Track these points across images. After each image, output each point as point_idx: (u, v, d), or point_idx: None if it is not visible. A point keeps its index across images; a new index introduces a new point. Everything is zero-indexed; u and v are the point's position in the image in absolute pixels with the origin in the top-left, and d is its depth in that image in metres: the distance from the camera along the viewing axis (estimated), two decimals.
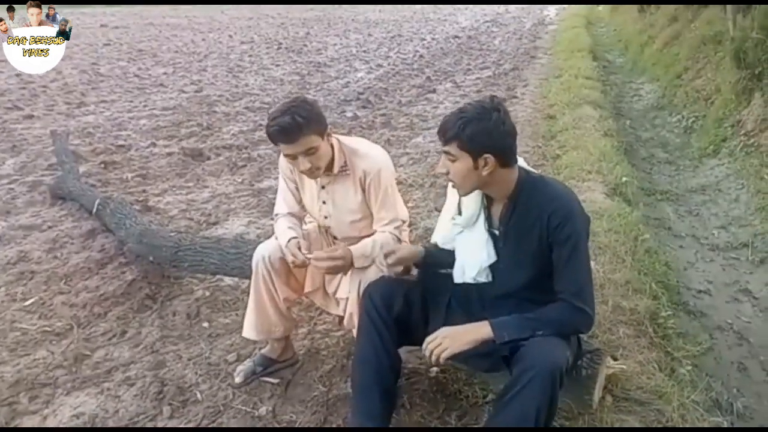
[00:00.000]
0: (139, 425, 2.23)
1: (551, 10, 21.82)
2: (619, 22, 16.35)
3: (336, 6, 24.31)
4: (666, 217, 4.74)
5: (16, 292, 3.20)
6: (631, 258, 3.25)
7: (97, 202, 3.88)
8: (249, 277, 2.35)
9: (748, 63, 6.03)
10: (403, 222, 2.51)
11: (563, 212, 1.77)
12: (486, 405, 2.18)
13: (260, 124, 6.75)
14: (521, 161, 1.94)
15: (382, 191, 2.22)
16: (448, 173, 1.84)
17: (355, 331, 2.12)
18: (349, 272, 2.20)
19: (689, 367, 2.63)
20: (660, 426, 2.07)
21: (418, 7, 23.69)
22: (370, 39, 14.76)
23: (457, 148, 1.76)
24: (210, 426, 2.21)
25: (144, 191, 4.70)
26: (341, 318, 2.36)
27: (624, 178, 4.59)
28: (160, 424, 2.23)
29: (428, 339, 1.80)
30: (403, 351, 2.12)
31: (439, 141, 1.83)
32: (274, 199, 2.44)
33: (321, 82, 9.27)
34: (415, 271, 2.44)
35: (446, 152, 1.80)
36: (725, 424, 2.43)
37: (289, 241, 2.19)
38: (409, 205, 4.11)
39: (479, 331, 1.78)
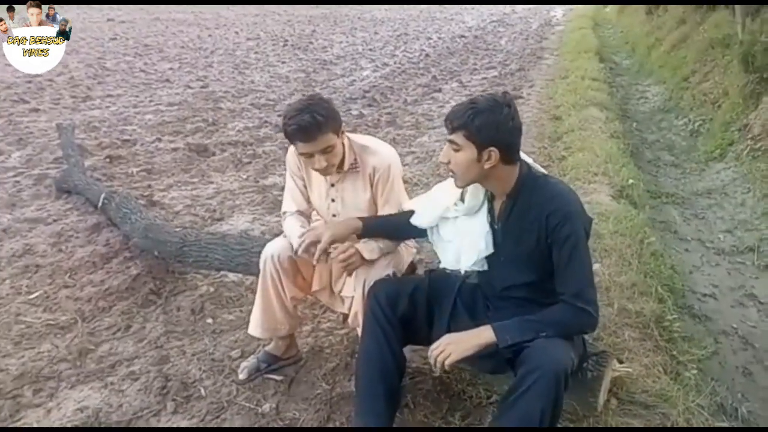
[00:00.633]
0: (142, 420, 2.23)
1: (558, 10, 21.76)
2: (626, 23, 16.31)
3: (342, 4, 24.27)
4: (672, 220, 4.72)
5: (21, 285, 3.21)
6: (637, 261, 3.24)
7: (102, 196, 3.88)
8: (254, 274, 2.35)
9: (757, 67, 6.01)
10: None
11: (562, 212, 1.77)
12: (490, 405, 2.17)
13: (265, 121, 6.75)
14: (527, 159, 1.93)
15: (389, 186, 2.22)
16: (449, 162, 1.83)
17: (359, 330, 2.11)
18: (355, 271, 2.20)
19: (694, 371, 2.62)
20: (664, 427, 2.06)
21: (424, 5, 23.64)
22: (376, 37, 14.75)
23: (463, 137, 1.75)
24: (212, 424, 2.21)
25: (149, 186, 4.70)
26: (345, 316, 2.36)
27: (630, 181, 4.58)
28: (163, 419, 2.23)
29: (432, 347, 1.80)
30: (408, 350, 2.11)
31: (445, 129, 1.82)
32: (279, 195, 2.44)
33: (327, 80, 9.26)
34: (420, 271, 2.45)
35: (451, 141, 1.79)
36: None
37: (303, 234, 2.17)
38: None
39: (481, 335, 1.77)
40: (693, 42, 9.14)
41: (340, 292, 2.31)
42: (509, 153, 1.78)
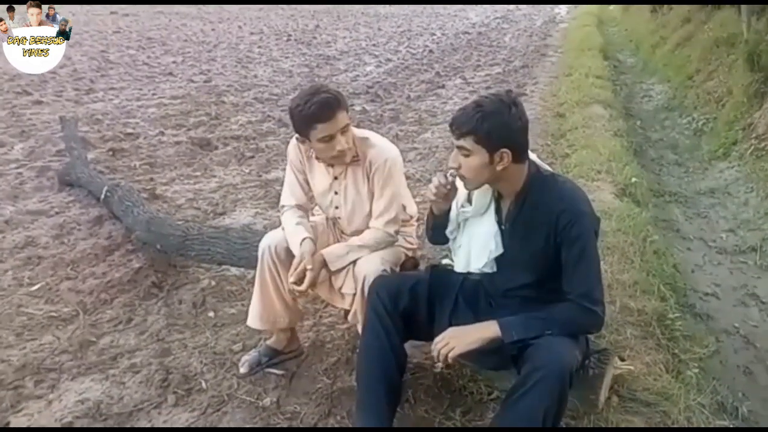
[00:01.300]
0: (143, 412, 2.23)
1: (562, 8, 21.68)
2: (630, 22, 16.25)
3: (346, 4, 24.22)
4: (675, 219, 4.72)
5: (23, 277, 3.21)
6: (639, 259, 3.24)
7: (105, 189, 3.88)
8: (255, 268, 2.35)
9: (761, 66, 5.99)
10: (411, 217, 2.51)
11: (572, 212, 1.75)
12: (491, 402, 2.17)
13: (268, 116, 6.75)
14: (534, 157, 1.92)
15: (383, 181, 2.20)
16: (459, 168, 1.80)
17: (360, 326, 2.11)
18: (354, 268, 2.20)
19: (696, 370, 2.61)
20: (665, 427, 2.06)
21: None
22: (379, 33, 14.72)
23: (473, 142, 1.73)
24: (212, 417, 2.21)
25: (151, 179, 4.70)
26: (346, 311, 2.35)
27: (633, 179, 4.56)
28: (164, 412, 2.23)
29: (436, 340, 1.80)
30: (409, 346, 2.11)
31: (451, 135, 1.80)
32: (282, 190, 2.43)
33: (330, 75, 9.25)
34: (422, 267, 2.45)
35: (460, 147, 1.76)
36: None
37: (303, 241, 2.18)
38: (417, 200, 4.07)
39: (487, 329, 1.77)
40: (698, 40, 9.11)
41: (341, 288, 2.31)
42: (520, 152, 1.77)
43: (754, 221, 4.50)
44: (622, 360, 2.29)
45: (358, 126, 5.61)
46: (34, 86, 7.96)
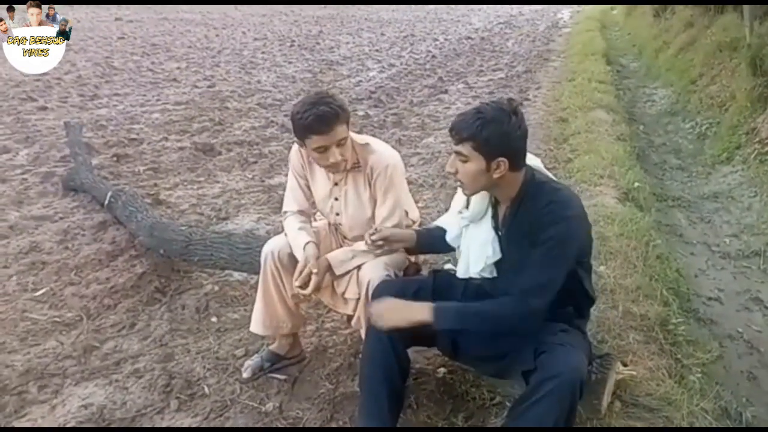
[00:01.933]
0: (146, 417, 2.24)
1: (565, 13, 21.71)
2: (633, 26, 16.24)
3: (349, 4, 24.29)
4: (677, 223, 4.71)
5: (27, 282, 3.23)
6: (642, 264, 3.23)
7: (109, 194, 3.90)
8: (258, 273, 2.36)
9: (764, 70, 5.98)
10: (414, 222, 2.51)
11: (553, 215, 1.74)
12: (493, 407, 2.17)
13: (272, 121, 6.77)
14: (538, 163, 1.93)
15: (385, 187, 2.21)
16: (456, 173, 1.81)
17: (363, 331, 2.11)
18: (357, 273, 2.20)
19: (699, 375, 2.60)
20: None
21: (431, 6, 23.63)
22: (382, 38, 14.76)
23: (471, 148, 1.74)
24: (215, 422, 2.22)
25: (155, 185, 4.72)
26: (349, 317, 2.36)
27: (636, 184, 4.56)
28: (167, 417, 2.24)
29: (373, 306, 1.86)
30: (411, 351, 2.11)
31: (451, 140, 1.81)
32: (285, 194, 2.44)
33: (333, 80, 9.28)
34: (425, 271, 2.45)
35: (458, 152, 1.77)
36: None
37: (306, 245, 2.19)
38: (419, 205, 4.10)
39: (421, 312, 1.80)
40: (701, 45, 9.10)
41: (344, 293, 2.31)
42: (517, 160, 1.78)
43: (758, 226, 4.48)
44: (625, 365, 2.28)
45: (360, 131, 5.64)
46: (39, 92, 8.01)
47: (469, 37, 14.80)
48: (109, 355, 2.62)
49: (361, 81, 9.23)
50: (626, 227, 3.62)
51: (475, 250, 1.96)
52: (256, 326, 2.38)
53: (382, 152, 2.23)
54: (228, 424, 2.20)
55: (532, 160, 1.95)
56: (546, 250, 1.74)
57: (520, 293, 1.75)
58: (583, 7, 22.75)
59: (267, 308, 2.33)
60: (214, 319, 2.89)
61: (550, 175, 1.94)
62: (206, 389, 2.38)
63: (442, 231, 2.14)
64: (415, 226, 2.53)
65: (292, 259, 2.24)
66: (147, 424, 2.22)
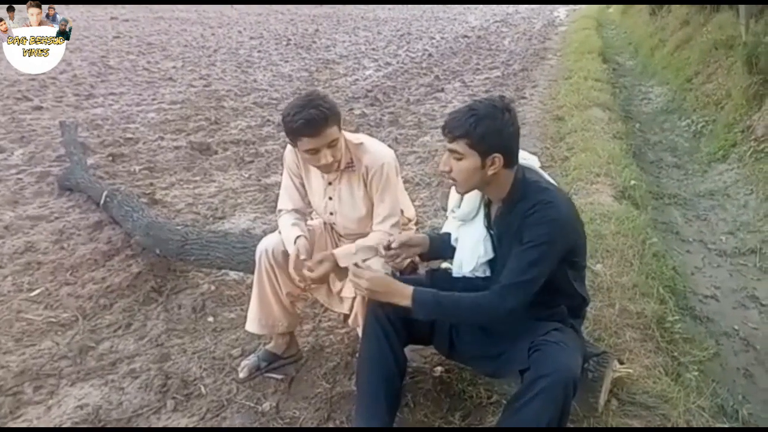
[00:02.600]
0: (142, 417, 2.23)
1: (561, 11, 21.73)
2: (629, 24, 16.27)
3: (345, 3, 24.25)
4: (674, 221, 4.71)
5: (23, 282, 3.21)
6: (638, 261, 3.23)
7: (104, 194, 3.89)
8: (254, 272, 2.35)
9: (760, 68, 5.99)
10: (410, 220, 2.52)
11: (539, 216, 1.74)
12: (490, 406, 2.17)
13: (268, 120, 6.75)
14: (535, 161, 1.93)
15: (382, 186, 2.21)
16: (450, 171, 1.81)
17: (359, 330, 2.11)
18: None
19: (695, 373, 2.61)
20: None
21: (427, 5, 23.61)
22: (379, 37, 14.74)
23: (466, 146, 1.73)
24: (212, 422, 2.21)
25: (151, 184, 4.71)
26: (346, 316, 2.35)
27: (632, 182, 4.56)
28: (163, 417, 2.23)
29: (364, 271, 1.83)
30: (408, 350, 2.11)
31: (443, 138, 1.80)
32: (280, 193, 2.44)
33: (329, 79, 9.27)
34: (422, 270, 2.45)
35: (453, 150, 1.77)
36: None
37: (297, 239, 2.19)
38: (416, 203, 4.10)
39: (402, 296, 1.80)
40: (696, 43, 9.11)
41: (339, 292, 2.31)
42: (510, 157, 1.78)
43: (754, 223, 4.50)
44: (622, 363, 2.29)
45: (356, 130, 5.64)
46: (34, 92, 7.98)
47: (465, 36, 14.80)
48: (105, 356, 2.61)
49: (357, 79, 9.23)
50: (622, 225, 3.62)
51: (468, 249, 1.97)
52: (251, 325, 2.38)
53: (377, 151, 2.23)
54: (225, 424, 2.19)
55: (529, 158, 1.95)
56: (528, 249, 1.74)
57: (500, 289, 1.75)
58: (580, 5, 22.78)
59: (262, 306, 2.33)
60: (210, 319, 2.88)
61: (544, 174, 1.93)
62: (203, 389, 2.37)
63: (449, 236, 2.14)
64: (411, 225, 2.53)
65: (287, 257, 2.23)
66: (143, 425, 2.21)
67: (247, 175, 4.98)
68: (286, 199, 2.37)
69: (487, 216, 1.94)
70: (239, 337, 2.70)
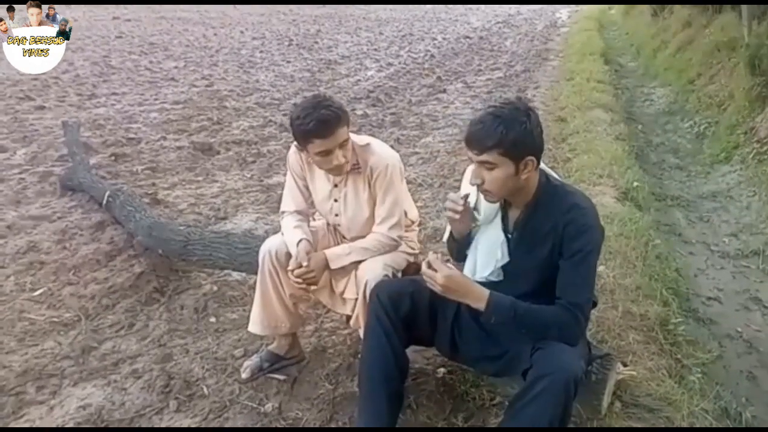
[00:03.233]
0: (145, 418, 2.23)
1: (563, 12, 21.73)
2: (631, 26, 16.26)
3: (348, 4, 24.26)
4: (676, 223, 4.71)
5: (25, 282, 3.21)
6: (641, 263, 3.23)
7: (107, 194, 3.89)
8: (257, 273, 2.35)
9: (763, 70, 5.99)
10: (413, 222, 2.51)
11: (579, 223, 1.74)
12: (493, 407, 2.16)
13: (270, 120, 6.75)
14: (542, 165, 1.92)
15: (384, 187, 2.21)
16: (482, 183, 1.76)
17: (362, 331, 2.11)
18: (356, 273, 2.20)
19: (699, 375, 2.61)
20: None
21: (429, 6, 23.63)
22: (381, 37, 14.74)
23: (498, 155, 1.69)
24: (214, 423, 2.21)
25: (153, 184, 4.71)
26: (348, 317, 2.35)
27: (635, 183, 4.56)
28: (166, 418, 2.23)
29: (439, 270, 1.75)
30: (410, 351, 2.10)
31: (469, 151, 1.74)
32: (283, 195, 2.44)
33: (331, 80, 9.27)
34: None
35: (483, 161, 1.71)
36: None
37: (299, 242, 2.19)
38: (418, 204, 4.10)
39: (477, 297, 1.76)
40: (699, 44, 9.11)
41: (342, 293, 2.31)
42: (539, 158, 1.76)
43: (757, 225, 4.49)
44: (625, 365, 2.28)
45: (358, 130, 5.64)
46: (37, 91, 7.98)
47: (467, 37, 14.80)
48: (108, 356, 2.60)
49: (359, 80, 9.23)
50: (625, 227, 3.62)
51: (484, 252, 1.94)
52: (254, 326, 2.37)
53: (382, 153, 2.23)
54: (227, 425, 2.19)
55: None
56: (580, 262, 1.74)
57: (572, 306, 1.73)
58: (581, 6, 22.78)
59: (265, 308, 2.33)
60: (212, 320, 2.88)
61: (553, 173, 1.92)
62: (205, 390, 2.37)
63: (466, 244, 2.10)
64: (414, 227, 2.53)
65: (290, 259, 2.23)
66: (146, 425, 2.20)
67: (249, 176, 4.98)
68: (290, 200, 2.37)
69: (504, 219, 1.92)
70: (242, 337, 2.70)
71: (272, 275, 2.27)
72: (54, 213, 4.16)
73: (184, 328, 2.81)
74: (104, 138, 5.86)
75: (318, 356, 2.56)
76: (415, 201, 3.67)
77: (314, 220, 2.51)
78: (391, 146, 2.40)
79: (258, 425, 2.18)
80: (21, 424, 2.22)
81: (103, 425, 2.19)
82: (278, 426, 2.17)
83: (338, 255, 2.21)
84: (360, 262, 2.22)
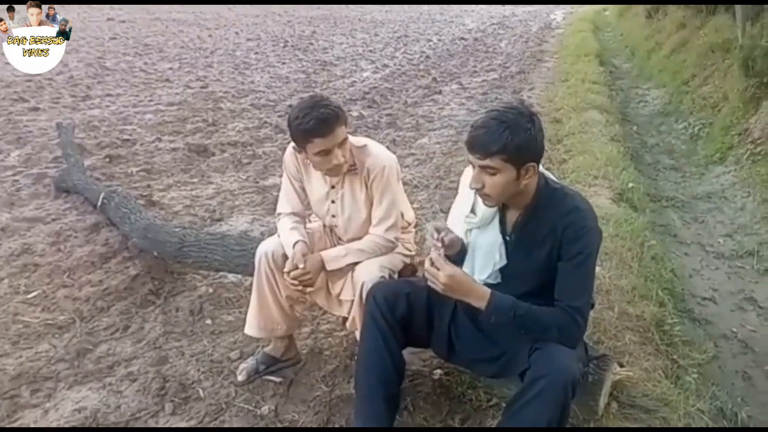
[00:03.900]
0: (140, 421, 2.22)
1: (558, 14, 21.80)
2: (626, 27, 16.32)
3: (342, 5, 24.27)
4: (672, 224, 4.73)
5: (19, 285, 3.19)
6: (637, 264, 3.24)
7: (101, 195, 3.87)
8: (252, 275, 2.34)
9: (757, 71, 6.02)
10: (409, 224, 2.51)
11: (579, 226, 1.74)
12: (490, 409, 2.16)
13: (266, 122, 6.74)
14: (540, 168, 1.92)
15: (381, 189, 2.21)
16: (483, 187, 1.75)
17: (358, 333, 2.10)
18: (352, 274, 2.20)
19: (695, 376, 2.62)
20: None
21: (424, 7, 23.65)
22: (376, 39, 14.74)
23: (501, 161, 1.68)
24: (210, 425, 2.20)
25: (148, 186, 4.69)
26: (344, 318, 2.35)
27: (630, 184, 4.57)
28: (161, 421, 2.22)
29: (441, 268, 1.73)
30: (407, 353, 2.10)
31: (471, 156, 1.72)
32: (278, 196, 2.43)
33: (327, 81, 9.26)
34: (420, 273, 2.44)
35: (486, 167, 1.70)
36: None
37: (295, 244, 2.18)
38: (414, 206, 4.09)
39: (478, 296, 1.75)
40: (693, 46, 9.15)
41: (338, 295, 2.30)
42: (540, 163, 1.76)
43: (751, 226, 4.51)
44: (621, 366, 2.29)
45: (354, 132, 5.64)
46: (31, 93, 7.94)
47: (462, 38, 14.82)
48: (103, 359, 2.59)
49: (354, 82, 9.22)
50: (621, 228, 3.63)
51: (482, 255, 1.93)
52: (250, 328, 2.36)
53: (379, 154, 2.23)
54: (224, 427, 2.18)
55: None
56: (579, 265, 1.75)
57: (571, 310, 1.73)
58: (576, 8, 22.86)
59: (262, 310, 2.32)
60: (208, 322, 2.87)
61: (550, 175, 1.92)
62: (201, 392, 2.36)
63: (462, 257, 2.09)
64: (411, 228, 2.53)
65: (286, 261, 2.23)
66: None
67: (244, 177, 4.97)
68: (285, 202, 2.37)
69: (502, 222, 1.91)
70: (237, 339, 2.69)
71: (268, 277, 2.26)
72: (48, 215, 4.14)
73: (180, 330, 2.80)
74: (99, 139, 5.84)
75: (314, 358, 2.55)
76: (412, 202, 3.67)
77: (310, 221, 2.51)
78: (387, 148, 2.40)
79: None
80: (16, 427, 2.20)
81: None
82: (275, 427, 2.16)
83: (334, 257, 2.21)
84: (356, 263, 2.22)
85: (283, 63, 10.97)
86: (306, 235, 2.28)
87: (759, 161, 5.24)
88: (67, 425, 2.19)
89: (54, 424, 2.20)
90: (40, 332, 2.78)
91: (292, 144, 2.18)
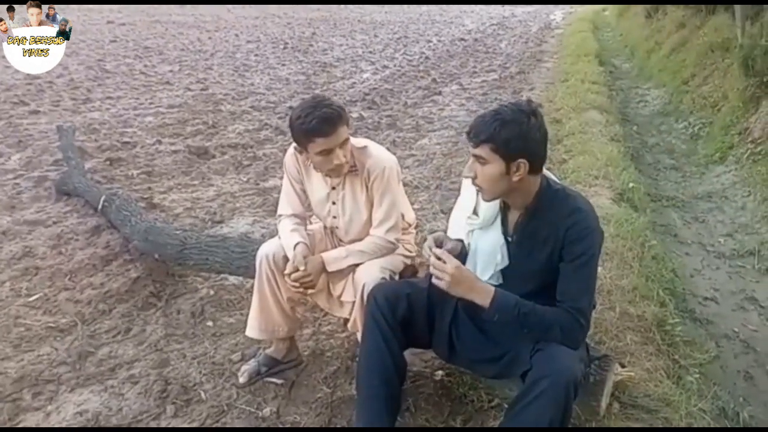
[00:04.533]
0: (142, 424, 2.22)
1: (557, 14, 21.81)
2: (625, 27, 16.32)
3: (342, 6, 24.29)
4: (672, 223, 4.72)
5: (21, 288, 3.20)
6: (638, 264, 3.24)
7: (102, 198, 3.87)
8: (253, 277, 2.34)
9: (757, 71, 6.02)
10: (410, 225, 2.51)
11: (580, 227, 1.75)
12: (491, 410, 2.16)
13: (266, 124, 6.75)
14: (544, 169, 1.92)
15: (382, 190, 2.21)
16: (475, 177, 1.78)
17: (359, 334, 2.10)
18: (353, 275, 2.20)
19: (696, 375, 2.62)
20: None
21: (424, 8, 23.67)
22: (376, 40, 14.75)
23: (490, 151, 1.70)
24: (214, 425, 2.20)
25: (149, 188, 4.69)
26: (346, 320, 2.35)
27: (630, 184, 4.57)
28: (163, 423, 2.22)
29: (446, 262, 1.74)
30: (408, 354, 2.10)
31: (468, 143, 1.76)
32: (279, 198, 2.43)
33: (327, 82, 9.26)
34: (421, 274, 2.44)
35: (477, 155, 1.74)
36: None
37: (296, 245, 2.18)
38: (415, 207, 4.09)
39: (482, 293, 1.76)
40: (692, 45, 9.15)
41: (340, 296, 2.30)
42: (537, 163, 1.75)
43: (752, 225, 4.51)
44: (623, 366, 2.29)
45: (354, 133, 5.63)
46: (31, 96, 7.95)
47: (462, 39, 14.83)
48: (104, 361, 2.59)
49: (354, 83, 9.23)
50: (622, 228, 3.63)
51: (484, 256, 1.93)
52: (252, 330, 2.37)
53: (379, 155, 2.23)
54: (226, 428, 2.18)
55: None
56: (582, 263, 1.75)
57: (574, 311, 1.73)
58: (576, 8, 22.87)
59: (263, 312, 2.32)
60: (209, 324, 2.87)
61: (553, 176, 1.92)
62: (202, 394, 2.36)
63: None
64: (411, 229, 2.53)
65: (287, 262, 2.23)
66: None
67: (245, 179, 4.98)
68: (286, 204, 2.37)
69: (504, 222, 1.91)
70: (239, 341, 2.69)
71: (269, 279, 2.27)
72: (49, 218, 4.14)
73: (181, 332, 2.81)
74: (99, 142, 5.84)
75: (316, 360, 2.55)
76: (412, 203, 3.67)
77: (311, 223, 2.51)
78: (388, 149, 2.41)
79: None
80: None
81: None
82: (276, 428, 2.16)
83: (335, 258, 2.21)
84: (357, 265, 2.22)
85: (283, 65, 10.98)
86: (307, 236, 2.29)
87: (759, 160, 5.24)
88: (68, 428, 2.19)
89: (56, 427, 2.20)
90: (41, 335, 2.78)
91: (293, 145, 2.18)
